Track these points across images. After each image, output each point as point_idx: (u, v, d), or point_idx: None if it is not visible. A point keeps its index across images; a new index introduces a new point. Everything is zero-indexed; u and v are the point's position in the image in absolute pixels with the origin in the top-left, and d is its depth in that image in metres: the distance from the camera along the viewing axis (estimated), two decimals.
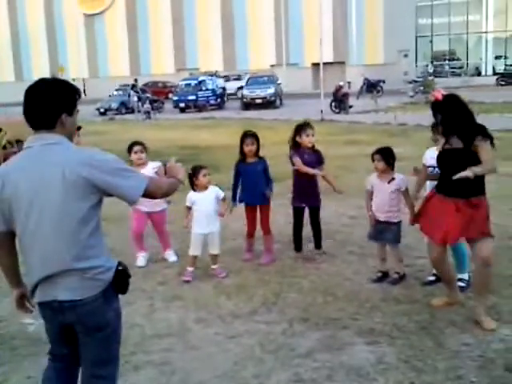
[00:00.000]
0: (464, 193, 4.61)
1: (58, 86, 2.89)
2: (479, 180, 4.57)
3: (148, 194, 2.94)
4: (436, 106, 4.79)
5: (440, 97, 4.75)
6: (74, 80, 52.04)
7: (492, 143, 4.61)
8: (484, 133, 4.60)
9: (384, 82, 37.22)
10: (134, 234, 6.73)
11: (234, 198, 6.67)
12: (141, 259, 6.61)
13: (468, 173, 4.45)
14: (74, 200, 2.76)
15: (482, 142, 4.54)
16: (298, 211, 6.61)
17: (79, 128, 6.93)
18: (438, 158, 4.85)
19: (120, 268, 2.93)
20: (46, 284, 2.82)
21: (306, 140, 6.36)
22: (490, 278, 4.78)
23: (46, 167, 2.76)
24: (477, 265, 4.76)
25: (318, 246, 6.71)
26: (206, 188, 6.06)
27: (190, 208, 6.10)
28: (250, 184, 6.57)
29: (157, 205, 6.51)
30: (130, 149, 6.63)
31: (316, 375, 4.09)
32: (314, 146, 6.48)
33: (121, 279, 2.93)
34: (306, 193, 6.52)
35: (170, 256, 6.75)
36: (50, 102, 2.82)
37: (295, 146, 6.46)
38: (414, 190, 5.62)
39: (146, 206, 6.37)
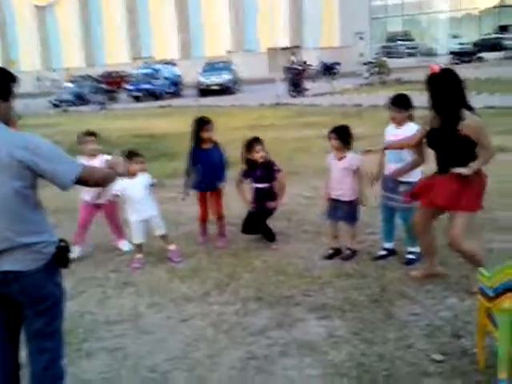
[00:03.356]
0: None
1: None
2: (471, 159, 4.55)
3: (81, 181, 3.03)
4: (430, 80, 4.65)
5: (437, 69, 4.62)
6: (54, 70, 50.97)
7: None
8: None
9: (339, 64, 37.43)
10: (79, 225, 6.55)
11: (187, 185, 6.57)
12: (75, 250, 6.33)
13: (465, 170, 4.49)
14: (9, 180, 2.83)
15: (474, 127, 4.49)
16: (253, 214, 6.53)
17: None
18: (428, 137, 4.82)
19: (62, 244, 3.04)
20: None
21: (256, 156, 6.34)
22: (469, 255, 4.72)
23: None
24: None
25: (270, 238, 6.59)
26: (135, 175, 5.94)
27: (117, 196, 6.06)
28: (205, 170, 6.46)
29: (106, 196, 6.40)
30: (80, 139, 6.43)
31: (269, 352, 4.13)
32: (266, 160, 6.39)
33: (62, 254, 3.03)
34: (264, 203, 6.43)
35: (124, 245, 6.64)
36: None
37: (248, 164, 6.42)
38: (377, 171, 5.75)
39: (95, 197, 6.34)
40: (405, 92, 6.11)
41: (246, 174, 6.49)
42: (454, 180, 4.59)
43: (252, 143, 6.39)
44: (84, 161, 5.76)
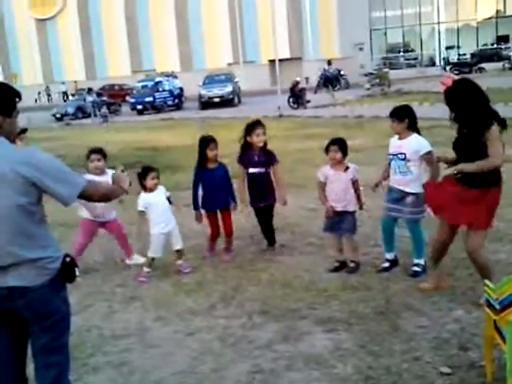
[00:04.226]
0: (468, 182, 4.59)
1: None
2: (489, 172, 4.53)
3: (85, 196, 3.06)
4: (447, 94, 4.69)
5: (450, 83, 4.66)
6: (63, 83, 51.26)
7: (505, 127, 4.56)
8: (496, 120, 4.52)
9: (342, 75, 37.57)
10: (80, 246, 6.39)
11: (196, 207, 6.55)
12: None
13: (451, 169, 4.53)
14: (14, 195, 2.83)
15: (490, 134, 4.46)
16: (259, 210, 6.57)
17: (25, 131, 6.81)
18: (454, 143, 4.82)
19: (67, 259, 3.02)
20: None
21: (256, 140, 6.28)
22: (483, 267, 4.74)
23: None
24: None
25: (271, 243, 6.64)
26: (153, 189, 6.03)
27: (143, 212, 6.01)
28: (212, 190, 6.43)
29: (108, 213, 6.38)
30: (88, 156, 6.34)
31: (275, 365, 4.12)
32: (265, 146, 6.41)
33: (68, 269, 3.02)
34: (260, 193, 6.44)
35: (138, 259, 6.54)
36: None
37: (246, 147, 6.39)
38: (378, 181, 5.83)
39: (99, 215, 6.31)
40: (405, 103, 6.13)
41: (241, 159, 6.40)
42: (472, 196, 4.59)
43: (254, 125, 6.32)
44: (90, 177, 5.66)
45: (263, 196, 6.44)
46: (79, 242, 6.41)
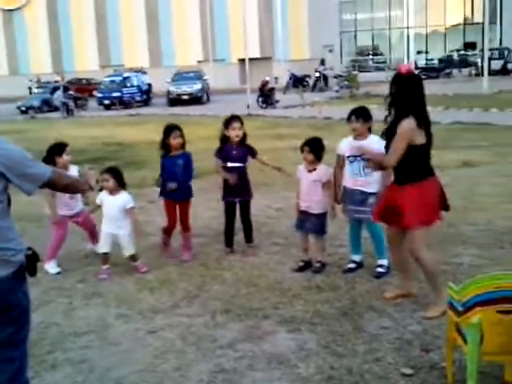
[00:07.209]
0: (397, 178, 4.73)
1: None
2: (408, 167, 4.55)
3: (49, 185, 3.05)
4: (399, 77, 4.63)
5: (403, 71, 4.63)
6: (57, 73, 49.39)
7: (423, 125, 4.51)
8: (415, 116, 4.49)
9: (310, 77, 37.75)
10: (59, 241, 6.33)
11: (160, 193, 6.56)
12: (53, 266, 6.16)
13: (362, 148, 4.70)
14: None
15: (399, 127, 4.49)
16: (230, 205, 6.52)
17: None
18: (385, 130, 4.83)
19: (29, 252, 2.99)
20: None
21: (232, 134, 6.30)
22: (426, 266, 4.71)
23: None
24: None
25: (248, 240, 6.62)
26: (117, 192, 5.98)
27: (99, 206, 6.11)
28: (171, 178, 6.36)
29: (77, 206, 6.38)
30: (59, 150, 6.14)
31: (237, 365, 4.08)
32: (244, 140, 6.41)
33: (31, 262, 2.99)
34: (237, 187, 6.39)
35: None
36: None
37: (224, 141, 6.41)
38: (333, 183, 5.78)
39: (69, 209, 6.30)
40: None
41: (219, 153, 6.41)
42: (398, 195, 4.65)
43: (231, 120, 6.37)
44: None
45: (240, 191, 6.42)
46: (54, 242, 6.30)
